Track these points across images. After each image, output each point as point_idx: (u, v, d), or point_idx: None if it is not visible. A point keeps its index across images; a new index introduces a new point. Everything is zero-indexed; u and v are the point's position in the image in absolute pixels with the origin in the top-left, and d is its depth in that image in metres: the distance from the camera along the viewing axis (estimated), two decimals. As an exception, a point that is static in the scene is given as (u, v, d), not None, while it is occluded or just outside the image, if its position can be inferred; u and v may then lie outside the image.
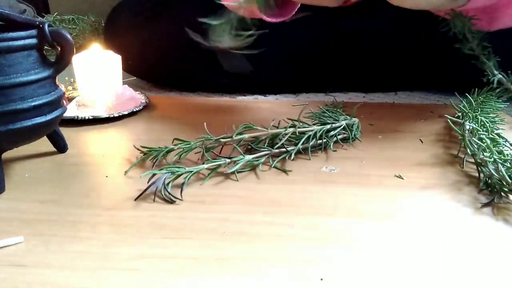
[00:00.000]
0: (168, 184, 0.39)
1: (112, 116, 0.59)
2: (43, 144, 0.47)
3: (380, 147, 0.51)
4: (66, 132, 0.50)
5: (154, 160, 0.46)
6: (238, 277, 0.29)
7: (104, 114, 0.59)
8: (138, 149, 0.47)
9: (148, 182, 0.39)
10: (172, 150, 0.46)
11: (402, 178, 0.44)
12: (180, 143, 0.46)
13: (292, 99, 0.77)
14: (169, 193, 0.39)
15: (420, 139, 0.51)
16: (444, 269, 0.30)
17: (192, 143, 0.46)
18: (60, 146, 0.48)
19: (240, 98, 0.77)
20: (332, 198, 0.40)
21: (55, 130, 0.47)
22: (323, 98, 0.77)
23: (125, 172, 0.44)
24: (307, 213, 0.37)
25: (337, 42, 0.79)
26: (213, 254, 0.31)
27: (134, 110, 0.62)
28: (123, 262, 0.30)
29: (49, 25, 0.41)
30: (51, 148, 0.48)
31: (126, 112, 0.61)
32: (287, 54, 0.79)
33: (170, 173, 0.40)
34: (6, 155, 0.45)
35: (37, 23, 0.40)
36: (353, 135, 0.52)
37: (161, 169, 0.40)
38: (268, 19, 0.63)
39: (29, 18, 0.41)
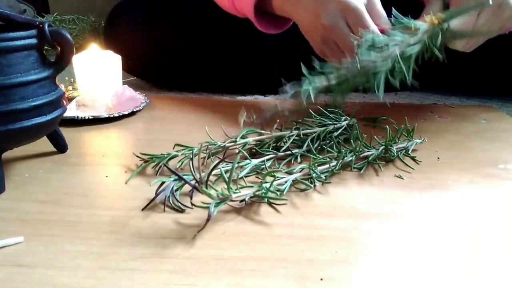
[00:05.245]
0: (176, 191, 0.38)
1: (112, 116, 0.59)
2: (43, 144, 0.47)
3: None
4: (66, 132, 0.50)
5: (158, 168, 0.44)
6: (238, 277, 0.29)
7: (104, 114, 0.59)
8: (138, 157, 0.45)
9: (156, 191, 0.38)
10: (175, 156, 0.44)
11: (402, 178, 0.44)
12: (183, 149, 0.45)
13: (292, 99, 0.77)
14: (178, 201, 0.37)
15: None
16: (442, 269, 0.30)
17: (195, 149, 0.44)
18: (60, 146, 0.48)
19: (240, 98, 0.77)
20: (332, 198, 0.40)
21: (55, 130, 0.46)
22: (323, 98, 0.76)
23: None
24: (307, 213, 0.37)
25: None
26: (213, 254, 0.31)
27: (134, 110, 0.62)
28: (123, 262, 0.30)
29: (49, 25, 0.41)
30: (51, 148, 0.48)
31: (126, 112, 0.61)
32: (287, 54, 0.79)
33: (178, 181, 0.38)
34: (6, 155, 0.45)
35: (37, 23, 0.40)
36: (353, 136, 0.52)
37: (170, 177, 0.39)
38: (266, 31, 0.64)
39: (29, 18, 0.41)
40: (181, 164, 0.44)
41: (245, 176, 0.42)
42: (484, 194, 0.41)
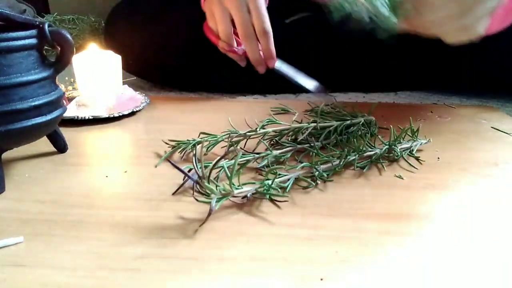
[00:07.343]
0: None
1: (112, 116, 0.59)
2: (43, 144, 0.47)
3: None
4: (66, 132, 0.50)
5: (183, 153, 0.47)
6: (238, 277, 0.29)
7: (104, 114, 0.59)
8: (166, 143, 0.48)
9: (183, 178, 0.40)
10: (200, 142, 0.47)
11: (402, 178, 0.44)
12: (207, 137, 0.47)
13: (292, 99, 0.77)
14: (206, 185, 0.37)
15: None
16: (442, 269, 0.30)
17: (218, 136, 0.47)
18: (60, 146, 0.48)
19: (240, 98, 0.77)
20: (333, 197, 0.40)
21: (55, 130, 0.46)
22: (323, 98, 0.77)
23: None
24: (308, 212, 0.37)
25: (337, 42, 0.79)
26: (213, 254, 0.31)
27: (134, 110, 0.62)
28: (123, 262, 0.30)
29: (49, 25, 0.41)
30: (51, 148, 0.48)
31: (126, 112, 0.61)
32: (287, 54, 0.79)
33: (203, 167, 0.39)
34: (6, 155, 0.45)
35: (37, 23, 0.40)
36: (371, 131, 0.52)
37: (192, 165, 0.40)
38: None
39: (29, 18, 0.41)
40: (206, 150, 0.47)
41: (267, 167, 0.43)
42: (484, 194, 0.41)
